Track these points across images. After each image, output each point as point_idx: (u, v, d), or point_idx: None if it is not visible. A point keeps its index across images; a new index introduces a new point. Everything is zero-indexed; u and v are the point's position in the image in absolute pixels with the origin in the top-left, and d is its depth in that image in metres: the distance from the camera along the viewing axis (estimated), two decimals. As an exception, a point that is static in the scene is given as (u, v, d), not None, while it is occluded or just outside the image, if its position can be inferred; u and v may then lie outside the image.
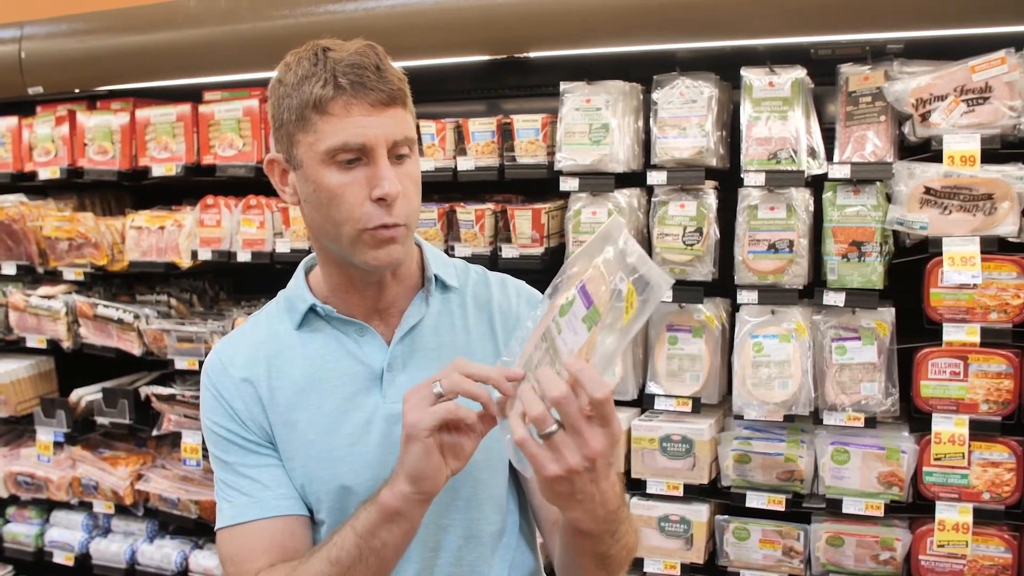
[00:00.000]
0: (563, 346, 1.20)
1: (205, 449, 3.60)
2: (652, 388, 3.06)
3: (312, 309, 1.56)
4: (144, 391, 3.73)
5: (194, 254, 3.65)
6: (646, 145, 3.12)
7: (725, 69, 3.04)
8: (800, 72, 2.89)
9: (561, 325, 1.22)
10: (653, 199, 3.04)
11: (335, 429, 1.51)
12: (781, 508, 2.91)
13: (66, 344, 3.89)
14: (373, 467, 1.49)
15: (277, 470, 1.53)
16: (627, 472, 3.06)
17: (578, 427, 1.14)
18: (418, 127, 3.16)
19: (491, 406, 1.29)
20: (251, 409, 1.53)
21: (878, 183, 2.81)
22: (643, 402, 3.10)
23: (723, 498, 3.00)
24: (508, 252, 3.16)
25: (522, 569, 1.63)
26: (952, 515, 2.74)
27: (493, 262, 3.18)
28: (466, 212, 3.21)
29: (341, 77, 1.38)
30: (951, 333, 2.72)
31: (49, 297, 3.91)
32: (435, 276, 1.60)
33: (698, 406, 3.00)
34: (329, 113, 1.39)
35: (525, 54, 3.16)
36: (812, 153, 2.88)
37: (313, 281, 1.61)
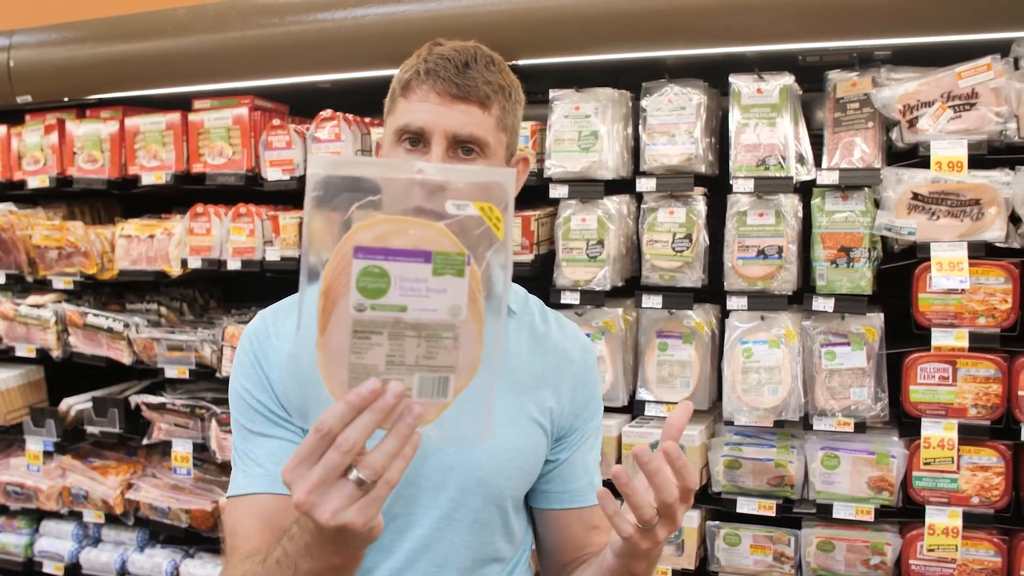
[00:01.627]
0: (431, 314, 1.06)
1: (196, 458, 3.65)
2: (642, 395, 3.07)
3: None
4: (134, 400, 3.71)
5: (184, 262, 3.63)
6: (635, 152, 3.13)
7: (714, 76, 3.05)
8: (788, 79, 2.90)
9: (401, 303, 1.05)
10: (642, 206, 3.05)
11: None
12: (772, 513, 2.91)
13: (56, 353, 3.88)
14: None
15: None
16: (618, 478, 3.06)
17: (675, 515, 1.28)
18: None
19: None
20: (285, 383, 1.48)
21: (866, 189, 2.82)
22: (633, 408, 3.10)
23: (714, 504, 3.00)
24: (498, 259, 3.16)
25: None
26: (942, 519, 2.75)
27: (483, 269, 3.17)
28: (456, 219, 3.21)
29: (423, 65, 1.44)
30: (940, 338, 2.73)
31: (38, 306, 3.90)
32: None
33: (688, 412, 3.00)
34: (406, 97, 1.45)
35: (514, 61, 3.16)
36: (800, 159, 2.89)
37: None
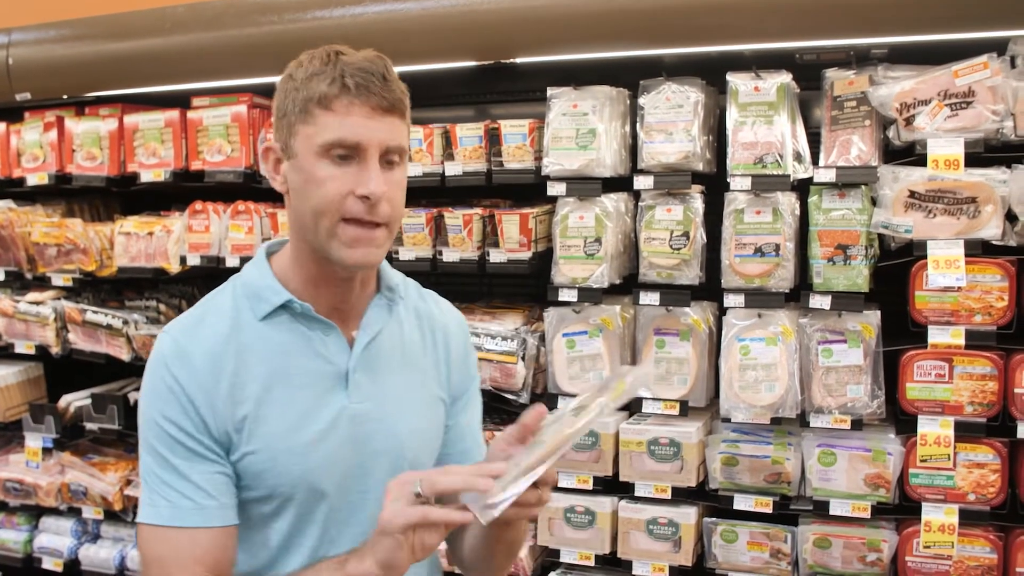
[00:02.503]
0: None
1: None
2: (640, 392, 3.07)
3: (285, 304, 1.55)
4: (133, 396, 3.72)
5: (183, 260, 3.64)
6: (633, 150, 3.13)
7: (711, 74, 3.06)
8: (785, 77, 2.90)
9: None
10: (640, 204, 3.05)
11: (304, 425, 1.53)
12: (768, 510, 2.92)
13: (55, 350, 3.89)
14: (340, 465, 1.56)
15: (222, 478, 1.50)
16: (615, 475, 3.07)
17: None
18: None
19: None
20: (214, 403, 1.49)
21: (863, 187, 2.82)
22: (631, 405, 3.11)
23: (711, 500, 3.01)
24: (496, 257, 3.17)
25: (437, 565, 1.77)
26: (938, 516, 2.76)
27: (481, 267, 3.19)
28: (454, 217, 3.22)
29: (348, 78, 1.46)
30: (936, 335, 2.74)
31: (38, 303, 3.91)
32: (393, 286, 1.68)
33: (686, 409, 3.02)
34: (331, 110, 1.46)
35: (512, 60, 3.18)
36: (798, 157, 2.90)
37: (279, 272, 1.59)
